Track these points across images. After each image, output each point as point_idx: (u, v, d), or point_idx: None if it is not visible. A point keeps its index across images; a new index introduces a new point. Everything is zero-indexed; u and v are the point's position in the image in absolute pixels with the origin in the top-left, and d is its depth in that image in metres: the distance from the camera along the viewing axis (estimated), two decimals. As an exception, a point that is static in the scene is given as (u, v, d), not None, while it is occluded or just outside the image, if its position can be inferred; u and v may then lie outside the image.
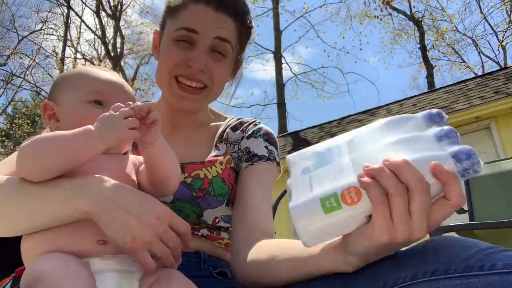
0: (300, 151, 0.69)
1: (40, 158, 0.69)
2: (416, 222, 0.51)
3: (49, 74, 19.44)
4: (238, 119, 1.10)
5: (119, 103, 0.72)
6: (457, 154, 0.52)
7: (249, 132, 1.03)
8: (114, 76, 0.85)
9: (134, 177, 0.80)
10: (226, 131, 1.05)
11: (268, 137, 1.03)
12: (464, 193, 0.50)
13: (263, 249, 0.76)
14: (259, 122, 1.08)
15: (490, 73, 7.65)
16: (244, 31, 0.99)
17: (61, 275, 0.60)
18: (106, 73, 0.84)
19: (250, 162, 0.97)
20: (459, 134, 0.56)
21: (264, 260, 0.73)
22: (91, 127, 0.70)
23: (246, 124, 1.07)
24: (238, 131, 1.05)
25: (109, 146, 0.70)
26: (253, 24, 1.03)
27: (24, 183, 0.72)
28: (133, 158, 0.83)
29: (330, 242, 0.62)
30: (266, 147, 1.01)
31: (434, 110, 0.60)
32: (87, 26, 18.12)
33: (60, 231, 0.70)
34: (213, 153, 1.00)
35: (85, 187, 0.69)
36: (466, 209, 2.56)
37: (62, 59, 17.79)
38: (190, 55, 0.91)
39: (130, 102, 0.72)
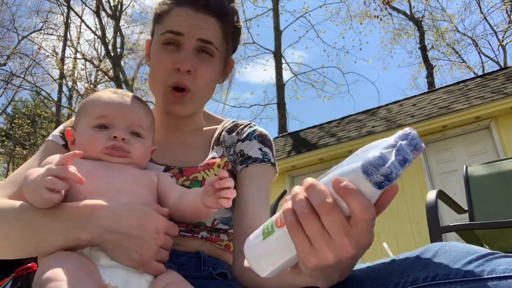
0: None
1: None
2: (337, 241, 0.48)
3: (49, 74, 19.50)
4: (233, 122, 1.10)
5: (61, 157, 0.70)
6: (365, 168, 0.47)
7: (244, 135, 1.04)
8: (120, 99, 0.87)
9: (141, 189, 0.82)
10: (222, 134, 1.06)
11: (262, 139, 1.04)
12: (369, 204, 0.46)
13: None
14: (254, 124, 1.08)
15: (490, 73, 7.63)
16: (231, 31, 0.99)
17: (72, 278, 0.60)
18: (114, 95, 0.88)
19: (245, 165, 0.98)
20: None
21: None
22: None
23: (242, 126, 1.07)
24: (234, 134, 1.05)
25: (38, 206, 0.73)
26: (241, 24, 1.03)
27: (25, 210, 0.75)
28: (148, 173, 0.87)
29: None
30: (260, 148, 1.01)
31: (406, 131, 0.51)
32: (87, 26, 18.07)
33: None
34: (210, 155, 1.00)
35: (84, 218, 0.71)
36: (466, 209, 2.56)
37: (62, 59, 17.79)
38: (177, 57, 0.93)
39: None
